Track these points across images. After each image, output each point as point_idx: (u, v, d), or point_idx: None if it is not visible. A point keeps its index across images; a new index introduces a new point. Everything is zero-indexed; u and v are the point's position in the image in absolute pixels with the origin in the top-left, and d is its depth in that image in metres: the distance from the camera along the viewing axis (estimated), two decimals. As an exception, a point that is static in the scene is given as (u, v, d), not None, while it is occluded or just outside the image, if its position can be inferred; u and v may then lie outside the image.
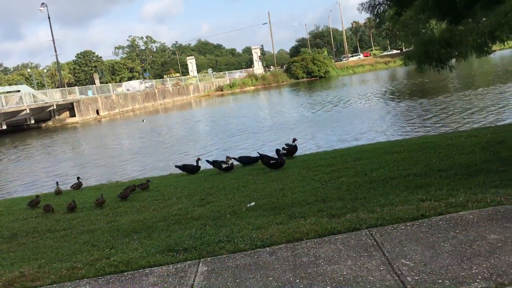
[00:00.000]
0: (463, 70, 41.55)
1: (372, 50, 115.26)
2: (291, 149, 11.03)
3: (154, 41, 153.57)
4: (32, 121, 48.54)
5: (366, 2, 6.48)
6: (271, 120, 29.47)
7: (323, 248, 3.92)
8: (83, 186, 11.46)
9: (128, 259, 4.32)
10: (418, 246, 3.67)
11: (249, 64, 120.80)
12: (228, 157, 10.78)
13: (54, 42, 58.86)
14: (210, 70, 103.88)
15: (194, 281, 3.67)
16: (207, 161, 11.23)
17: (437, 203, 4.57)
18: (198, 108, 58.13)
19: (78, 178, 11.58)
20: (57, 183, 11.48)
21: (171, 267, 4.03)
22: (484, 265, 3.22)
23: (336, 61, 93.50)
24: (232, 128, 27.54)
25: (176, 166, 11.76)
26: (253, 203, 6.45)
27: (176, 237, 4.82)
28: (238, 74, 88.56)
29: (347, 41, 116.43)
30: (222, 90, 77.16)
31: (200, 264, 3.98)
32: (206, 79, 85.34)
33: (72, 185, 11.50)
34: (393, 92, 38.06)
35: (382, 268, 3.41)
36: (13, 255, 5.43)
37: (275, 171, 9.34)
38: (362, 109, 27.68)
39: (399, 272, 3.30)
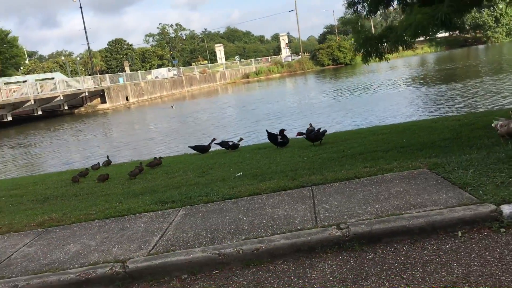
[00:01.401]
0: (491, 57, 41.52)
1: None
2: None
3: (184, 29, 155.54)
4: (66, 107, 51.02)
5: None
6: (295, 105, 30.76)
7: (272, 199, 5.17)
8: (112, 163, 12.93)
9: (129, 207, 5.68)
10: (340, 196, 4.87)
11: (277, 51, 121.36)
12: (241, 138, 12.06)
13: (86, 31, 61.24)
14: (237, 58, 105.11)
15: (173, 220, 4.98)
16: (216, 143, 12.48)
17: (373, 169, 5.73)
18: (224, 94, 59.63)
19: (107, 157, 13.09)
20: (107, 157, 13.02)
21: (159, 212, 5.36)
22: (377, 206, 4.41)
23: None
24: (258, 113, 28.92)
25: (189, 147, 13.09)
26: (241, 173, 7.70)
27: (168, 194, 6.16)
28: (264, 62, 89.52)
29: (376, 28, 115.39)
30: (248, 78, 78.39)
31: (181, 210, 5.29)
32: (233, 66, 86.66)
33: (103, 163, 13.01)
34: (418, 77, 38.68)
35: (307, 210, 4.63)
36: (44, 208, 6.88)
37: (280, 149, 10.45)
38: (386, 95, 28.76)
39: (317, 211, 4.52)
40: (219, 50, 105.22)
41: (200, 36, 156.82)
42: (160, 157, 11.03)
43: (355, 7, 7.23)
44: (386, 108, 22.86)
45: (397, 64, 64.51)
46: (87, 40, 64.52)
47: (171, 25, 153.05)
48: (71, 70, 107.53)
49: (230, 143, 11.66)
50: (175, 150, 18.22)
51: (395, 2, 7.44)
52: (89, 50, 68.89)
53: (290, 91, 49.04)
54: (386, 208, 4.32)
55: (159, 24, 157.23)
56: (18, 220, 5.89)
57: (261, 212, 4.77)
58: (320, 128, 10.43)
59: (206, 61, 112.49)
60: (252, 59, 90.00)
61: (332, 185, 5.34)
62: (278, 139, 10.71)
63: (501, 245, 3.59)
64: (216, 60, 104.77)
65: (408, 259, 3.61)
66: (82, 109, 53.31)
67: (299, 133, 10.59)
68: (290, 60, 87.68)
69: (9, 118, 43.70)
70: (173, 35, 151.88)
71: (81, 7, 61.02)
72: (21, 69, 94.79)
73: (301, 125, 18.52)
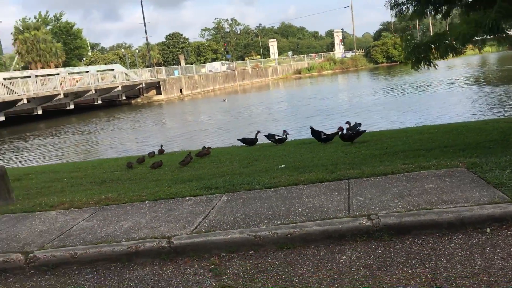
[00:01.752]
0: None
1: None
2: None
3: (239, 24, 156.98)
4: (124, 98, 53.16)
5: (389, 1, 7.64)
6: (347, 103, 30.70)
7: (309, 189, 5.44)
8: (165, 152, 13.58)
9: (177, 191, 6.11)
10: (374, 190, 5.06)
11: (331, 47, 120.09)
12: (284, 131, 12.34)
13: (145, 25, 63.46)
14: (290, 53, 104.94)
15: (216, 204, 5.36)
16: (264, 135, 12.82)
17: (411, 166, 5.86)
18: (276, 89, 59.98)
19: (161, 146, 13.74)
20: (161, 146, 13.67)
21: (204, 197, 5.76)
22: (409, 200, 4.58)
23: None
24: (309, 109, 29.14)
25: (238, 139, 13.52)
26: (283, 165, 8.00)
27: (213, 181, 6.55)
28: (317, 58, 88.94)
29: (434, 26, 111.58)
30: (300, 73, 78.27)
31: (224, 196, 5.67)
32: (285, 62, 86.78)
33: (157, 151, 13.67)
34: (476, 77, 37.41)
35: (341, 201, 4.87)
36: (101, 189, 7.48)
37: (323, 144, 10.69)
38: (441, 94, 28.24)
39: (351, 203, 4.75)
40: (272, 45, 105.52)
41: (255, 31, 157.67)
42: (209, 147, 11.50)
43: (399, 8, 7.28)
44: (440, 107, 22.48)
45: (455, 63, 62.34)
46: (146, 33, 67.00)
47: (227, 20, 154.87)
48: (130, 62, 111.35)
49: (277, 137, 11.96)
50: (225, 142, 18.74)
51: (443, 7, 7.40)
52: (147, 43, 71.23)
53: (342, 88, 48.70)
54: (417, 203, 4.49)
55: (215, 19, 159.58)
56: (78, 198, 6.48)
57: (297, 201, 5.05)
58: (359, 128, 10.55)
59: (259, 56, 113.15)
60: (305, 55, 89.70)
61: (368, 179, 5.53)
62: (321, 136, 10.92)
63: (529, 243, 3.69)
64: (269, 55, 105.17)
65: (434, 250, 3.79)
66: (139, 100, 55.31)
67: (340, 128, 10.75)
68: (342, 56, 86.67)
69: (72, 106, 46.10)
70: (228, 30, 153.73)
71: (141, 2, 63.13)
72: (83, 60, 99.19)
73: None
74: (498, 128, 9.78)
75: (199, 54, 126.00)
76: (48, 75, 50.50)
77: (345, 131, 10.52)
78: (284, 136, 12.02)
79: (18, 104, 39.45)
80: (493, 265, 3.42)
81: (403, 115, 21.33)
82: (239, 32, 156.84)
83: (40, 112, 42.52)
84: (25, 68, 78.96)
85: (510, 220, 4.02)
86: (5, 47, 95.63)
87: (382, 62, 78.25)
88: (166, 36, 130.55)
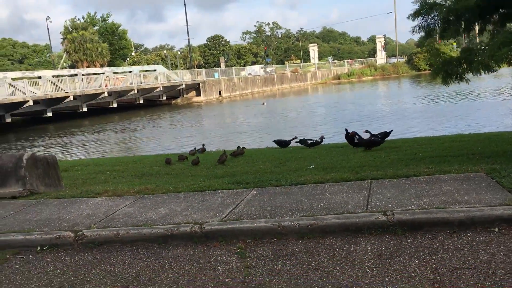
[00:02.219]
0: None
1: None
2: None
3: (280, 27, 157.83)
4: (164, 98, 54.60)
5: (418, 25, 7.80)
6: (387, 109, 30.68)
7: (333, 187, 5.80)
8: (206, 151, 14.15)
9: (210, 185, 6.61)
10: (394, 190, 5.38)
11: (372, 53, 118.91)
12: (322, 137, 12.65)
13: (187, 28, 65.01)
14: (330, 58, 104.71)
15: (245, 197, 5.81)
16: (296, 141, 13.09)
17: (432, 169, 6.13)
18: (314, 94, 60.12)
19: (203, 144, 14.29)
20: (203, 145, 14.23)
21: (234, 190, 6.22)
22: (425, 200, 4.88)
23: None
24: (349, 114, 29.34)
25: (273, 141, 13.92)
26: (313, 166, 8.37)
27: (244, 177, 7.01)
28: (357, 64, 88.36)
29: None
30: (339, 79, 77.97)
31: (253, 190, 6.11)
32: (325, 66, 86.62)
33: (198, 149, 14.25)
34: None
35: (361, 198, 5.21)
36: (141, 181, 8.07)
37: (355, 148, 10.92)
38: (484, 103, 27.93)
39: (370, 200, 5.09)
40: (313, 50, 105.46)
41: (296, 35, 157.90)
42: (243, 147, 11.97)
43: (429, 29, 7.43)
44: (480, 117, 22.23)
45: (502, 72, 60.62)
46: (188, 35, 68.65)
47: (268, 24, 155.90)
48: (172, 63, 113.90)
49: (309, 142, 12.29)
50: (260, 144, 19.22)
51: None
52: (189, 46, 72.89)
53: (382, 94, 48.32)
54: (432, 202, 4.78)
55: (256, 22, 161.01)
56: (120, 188, 7.07)
57: (320, 197, 5.43)
58: (375, 135, 10.72)
59: (299, 60, 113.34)
60: (345, 60, 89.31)
61: (390, 180, 5.85)
62: (354, 140, 11.17)
63: (534, 242, 3.94)
64: (309, 60, 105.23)
65: (442, 245, 4.09)
66: (179, 100, 56.65)
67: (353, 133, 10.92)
68: (385, 63, 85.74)
69: (115, 105, 47.82)
70: (269, 34, 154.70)
71: (185, 5, 64.72)
72: (127, 60, 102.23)
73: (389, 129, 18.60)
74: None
75: (239, 57, 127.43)
76: (94, 74, 52.56)
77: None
78: (319, 140, 12.32)
79: (65, 101, 41.31)
80: (494, 259, 3.71)
81: (442, 123, 21.24)
82: (280, 36, 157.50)
83: (85, 109, 44.35)
84: (72, 66, 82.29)
85: (517, 221, 4.28)
86: (53, 46, 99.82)
87: (425, 70, 76.75)
88: (208, 38, 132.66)
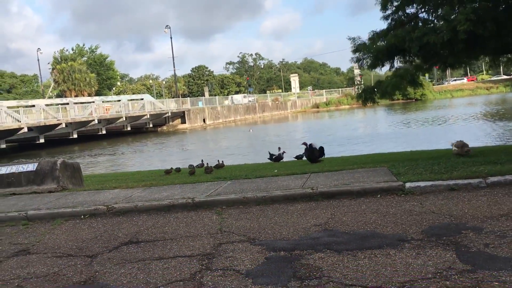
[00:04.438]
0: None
1: (482, 74, 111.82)
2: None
3: (262, 58, 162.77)
4: (151, 125, 57.04)
5: (354, 57, 10.61)
6: (358, 134, 33.66)
7: (284, 178, 8.35)
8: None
9: (198, 180, 9.09)
10: (323, 177, 7.95)
11: (351, 83, 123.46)
12: (279, 148, 15.16)
13: (173, 60, 67.98)
14: (310, 88, 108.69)
15: (222, 185, 8.31)
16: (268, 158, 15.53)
17: (354, 167, 8.71)
18: (294, 121, 63.23)
19: (202, 160, 16.39)
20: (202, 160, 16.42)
21: (216, 182, 8.74)
22: (340, 181, 7.45)
23: (439, 84, 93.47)
24: (328, 139, 32.19)
25: (268, 158, 16.03)
26: (276, 171, 10.91)
27: (223, 176, 9.52)
28: (335, 93, 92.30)
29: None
30: (318, 107, 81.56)
31: (228, 181, 8.63)
32: (305, 96, 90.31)
33: (197, 165, 16.40)
34: (484, 114, 39.97)
35: (300, 182, 7.76)
36: (144, 182, 10.51)
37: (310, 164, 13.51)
38: (444, 128, 30.82)
39: (305, 183, 7.64)
40: (294, 80, 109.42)
41: (278, 66, 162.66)
42: (223, 161, 14.47)
43: (360, 62, 10.26)
44: (424, 139, 25.03)
45: (475, 101, 64.70)
46: (174, 66, 71.73)
47: (251, 54, 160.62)
48: (157, 93, 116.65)
49: (273, 156, 14.84)
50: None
51: (387, 64, 10.34)
52: (175, 76, 75.80)
53: (356, 121, 51.51)
54: (344, 182, 7.36)
55: (240, 53, 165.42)
56: (130, 184, 9.52)
57: (274, 183, 7.98)
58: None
59: (280, 90, 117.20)
60: (324, 90, 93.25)
61: (323, 173, 8.44)
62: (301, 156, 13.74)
63: (399, 201, 6.51)
64: (290, 89, 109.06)
65: (345, 205, 6.63)
66: (165, 127, 59.11)
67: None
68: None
69: (104, 132, 50.05)
70: (252, 64, 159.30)
71: (171, 38, 67.87)
72: (113, 90, 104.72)
73: (357, 150, 21.36)
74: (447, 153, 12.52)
75: (223, 86, 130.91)
76: (82, 103, 54.81)
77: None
78: (281, 154, 14.86)
79: (57, 128, 43.45)
80: (370, 209, 6.26)
81: (396, 143, 24.00)
82: (262, 66, 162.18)
83: (75, 135, 46.51)
84: (59, 95, 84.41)
85: (391, 191, 6.86)
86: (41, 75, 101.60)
87: (399, 99, 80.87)
88: (192, 68, 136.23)
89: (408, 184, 6.87)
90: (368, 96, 10.13)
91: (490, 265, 4.01)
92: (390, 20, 10.57)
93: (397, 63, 10.31)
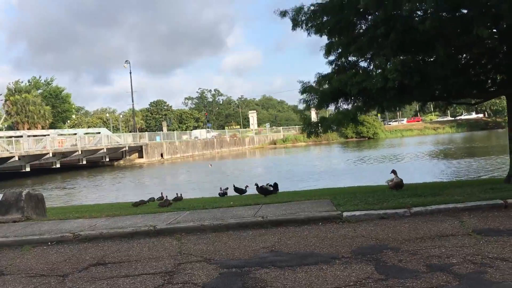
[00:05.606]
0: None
1: (431, 115, 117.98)
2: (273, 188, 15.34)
3: (221, 94, 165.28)
4: (107, 159, 56.62)
5: (301, 98, 11.82)
6: (316, 169, 35.01)
7: (238, 208, 9.21)
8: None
9: (158, 211, 9.80)
10: (273, 208, 8.86)
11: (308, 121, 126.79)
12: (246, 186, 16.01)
13: (132, 94, 68.36)
14: (267, 125, 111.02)
15: (181, 215, 9.06)
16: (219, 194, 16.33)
17: (302, 199, 9.70)
18: (252, 157, 64.42)
19: (161, 193, 16.76)
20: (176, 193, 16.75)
21: (175, 212, 9.47)
22: (288, 211, 8.39)
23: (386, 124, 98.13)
24: (283, 175, 33.30)
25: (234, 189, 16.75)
26: (232, 203, 11.75)
27: (182, 207, 10.26)
28: (292, 130, 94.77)
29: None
30: (275, 144, 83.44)
31: (187, 212, 9.39)
32: (263, 132, 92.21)
33: (158, 198, 16.68)
34: (431, 152, 42.38)
35: (252, 212, 8.63)
36: (107, 213, 11.08)
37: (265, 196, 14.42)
38: (387, 166, 32.59)
39: (257, 212, 8.52)
40: (252, 116, 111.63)
41: (236, 102, 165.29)
42: (181, 194, 15.17)
43: (308, 103, 11.43)
44: (380, 174, 26.58)
45: (426, 140, 68.09)
46: (132, 101, 72.12)
47: (210, 90, 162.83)
48: (113, 126, 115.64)
49: (238, 188, 15.65)
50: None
51: (332, 105, 11.59)
52: (133, 111, 75.92)
53: (311, 157, 53.24)
54: (291, 212, 8.31)
55: (199, 89, 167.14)
56: (94, 214, 10.09)
57: (229, 213, 8.82)
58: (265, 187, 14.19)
59: (238, 126, 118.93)
60: (281, 127, 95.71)
61: (273, 204, 9.38)
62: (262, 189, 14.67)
63: (337, 227, 7.49)
64: (249, 126, 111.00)
65: (290, 231, 7.54)
66: (121, 162, 58.79)
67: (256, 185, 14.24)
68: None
69: (58, 165, 49.31)
70: (210, 100, 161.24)
71: (130, 73, 68.48)
72: (68, 122, 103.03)
73: (311, 185, 22.46)
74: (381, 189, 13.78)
75: (181, 121, 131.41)
76: (36, 135, 53.95)
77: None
78: (244, 189, 15.70)
79: (9, 161, 42.58)
80: (312, 235, 7.20)
81: (346, 178, 25.40)
82: (221, 102, 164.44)
83: (28, 169, 45.58)
84: (10, 128, 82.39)
85: (331, 219, 7.85)
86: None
87: (352, 137, 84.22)
88: (151, 103, 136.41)
89: (345, 213, 7.90)
90: (312, 130, 11.30)
91: (399, 275, 5.00)
92: (334, 65, 11.91)
93: (341, 104, 11.56)
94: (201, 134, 79.46)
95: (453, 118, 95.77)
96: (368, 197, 9.22)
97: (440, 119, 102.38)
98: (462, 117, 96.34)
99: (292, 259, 5.95)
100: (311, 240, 6.80)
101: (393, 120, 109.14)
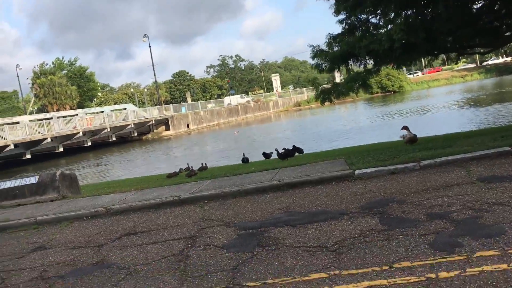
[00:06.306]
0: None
1: (457, 64, 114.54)
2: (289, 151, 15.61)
3: (243, 60, 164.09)
4: (135, 134, 57.96)
5: (313, 63, 11.99)
6: (341, 128, 35.27)
7: (256, 173, 9.69)
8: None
9: (183, 181, 10.38)
10: (290, 171, 9.30)
11: (331, 79, 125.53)
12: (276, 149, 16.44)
13: (153, 67, 69.00)
14: (291, 87, 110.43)
15: (205, 183, 9.61)
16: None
17: (317, 160, 10.09)
18: (277, 121, 64.76)
19: (202, 163, 17.37)
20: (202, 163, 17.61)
21: (198, 181, 10.03)
22: (303, 173, 8.82)
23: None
24: (308, 136, 33.69)
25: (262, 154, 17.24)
26: (253, 168, 12.26)
27: (205, 175, 10.83)
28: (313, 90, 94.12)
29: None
30: (299, 105, 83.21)
31: (210, 180, 9.94)
32: (286, 95, 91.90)
33: (185, 168, 17.35)
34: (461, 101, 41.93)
35: (270, 177, 9.10)
36: (136, 187, 11.77)
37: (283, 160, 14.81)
38: (416, 118, 32.46)
39: (274, 176, 8.98)
40: (275, 80, 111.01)
41: (258, 66, 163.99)
42: (206, 164, 15.74)
43: (320, 68, 11.61)
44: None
45: (455, 88, 66.82)
46: (154, 74, 72.84)
47: (231, 57, 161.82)
48: (139, 101, 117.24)
49: (266, 153, 16.07)
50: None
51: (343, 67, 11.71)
52: (156, 83, 76.75)
53: (334, 117, 53.19)
54: (306, 174, 8.73)
55: (220, 56, 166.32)
56: (123, 188, 10.77)
57: (248, 179, 9.31)
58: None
59: (262, 91, 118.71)
60: (305, 88, 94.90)
61: (290, 167, 9.81)
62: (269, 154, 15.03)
63: (349, 185, 7.88)
64: (272, 89, 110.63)
65: (305, 192, 7.98)
66: (149, 135, 60.10)
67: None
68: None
69: (89, 144, 50.90)
70: (232, 66, 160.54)
71: (150, 46, 68.90)
72: (95, 101, 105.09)
73: (339, 144, 22.77)
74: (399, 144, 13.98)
75: (205, 90, 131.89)
76: (65, 116, 55.52)
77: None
78: (270, 153, 16.12)
79: (42, 143, 44.22)
80: (325, 193, 7.62)
81: (370, 135, 25.56)
82: (243, 68, 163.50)
83: (61, 149, 47.27)
84: (40, 110, 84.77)
85: (344, 178, 8.24)
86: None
87: (377, 92, 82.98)
88: (173, 74, 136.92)
89: (357, 171, 8.27)
90: (325, 96, 11.54)
91: (400, 225, 5.40)
92: (344, 24, 11.98)
93: (351, 66, 11.70)
94: (232, 100, 79.93)
95: (476, 65, 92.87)
96: (380, 154, 9.53)
97: (464, 66, 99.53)
98: (490, 62, 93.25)
99: (304, 217, 6.41)
100: (323, 199, 7.23)
101: (413, 72, 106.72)
